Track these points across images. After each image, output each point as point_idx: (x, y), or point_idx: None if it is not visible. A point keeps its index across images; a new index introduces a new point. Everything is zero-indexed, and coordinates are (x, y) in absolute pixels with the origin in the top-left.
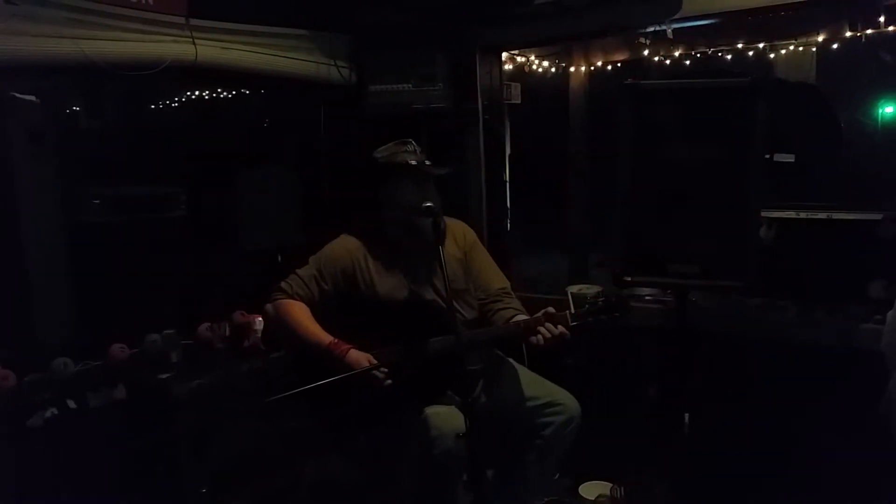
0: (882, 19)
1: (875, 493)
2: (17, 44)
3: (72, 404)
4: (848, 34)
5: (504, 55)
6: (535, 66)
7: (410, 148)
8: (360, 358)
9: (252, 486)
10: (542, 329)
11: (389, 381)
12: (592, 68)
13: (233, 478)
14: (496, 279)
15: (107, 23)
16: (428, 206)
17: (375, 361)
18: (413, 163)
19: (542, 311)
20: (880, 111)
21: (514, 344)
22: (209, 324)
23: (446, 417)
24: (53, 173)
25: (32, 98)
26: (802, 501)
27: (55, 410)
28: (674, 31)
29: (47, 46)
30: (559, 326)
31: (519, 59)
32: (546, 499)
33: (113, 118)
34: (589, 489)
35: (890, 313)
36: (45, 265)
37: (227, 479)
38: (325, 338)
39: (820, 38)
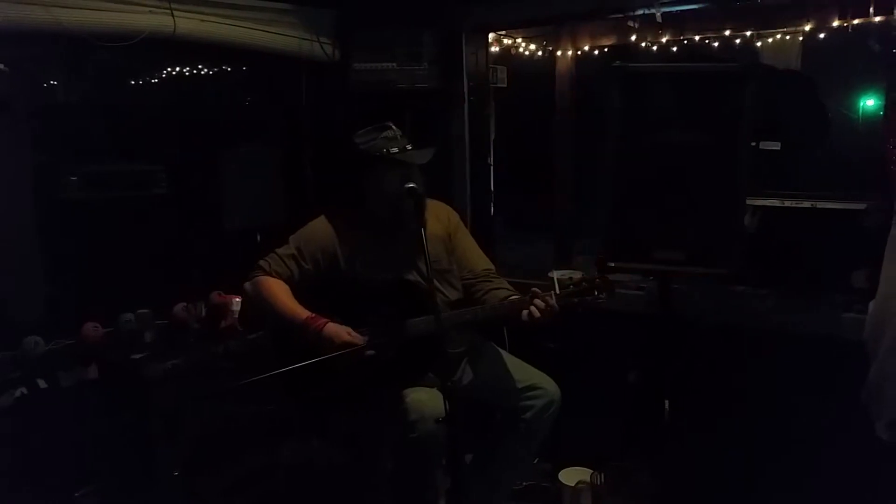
0: (871, 9)
1: (855, 480)
2: None
3: (42, 384)
4: (836, 23)
5: (491, 37)
6: (521, 50)
7: (391, 134)
8: (338, 331)
9: (226, 469)
10: (530, 307)
11: (372, 352)
12: (580, 53)
13: (206, 460)
14: (481, 260)
15: None
16: (411, 188)
17: (355, 333)
18: (395, 151)
19: (530, 291)
20: (862, 103)
21: (505, 323)
22: (185, 304)
23: (426, 401)
24: (25, 145)
25: (2, 66)
26: (783, 488)
27: (25, 390)
28: (662, 15)
29: (18, 13)
30: (547, 301)
31: (506, 41)
32: (525, 483)
33: (92, 93)
34: (569, 475)
35: (872, 303)
36: (16, 241)
37: (200, 462)
38: (302, 312)
39: (807, 28)
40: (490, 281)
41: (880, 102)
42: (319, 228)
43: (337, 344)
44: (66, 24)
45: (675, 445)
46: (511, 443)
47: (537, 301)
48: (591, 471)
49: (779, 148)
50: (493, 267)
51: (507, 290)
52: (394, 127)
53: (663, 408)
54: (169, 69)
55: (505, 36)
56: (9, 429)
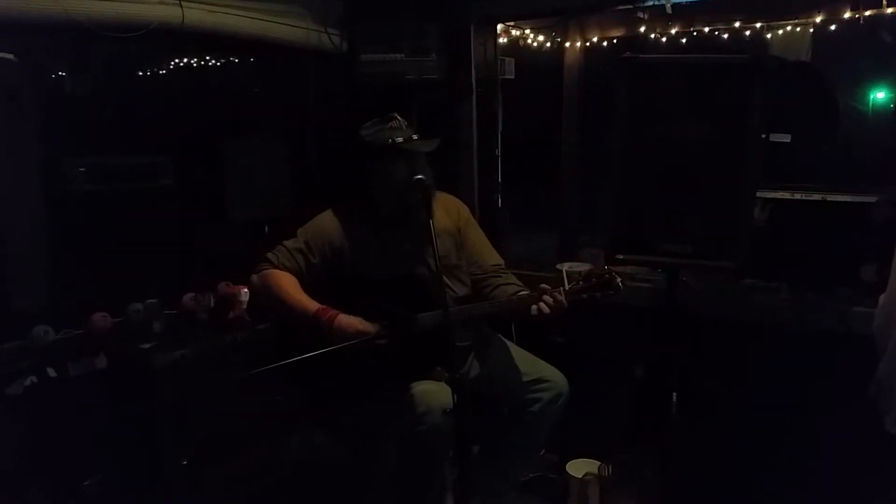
0: (883, 0)
1: (863, 475)
2: None
3: (52, 373)
4: (847, 15)
5: (499, 28)
6: (529, 41)
7: (396, 124)
8: (350, 321)
9: (234, 459)
10: (539, 303)
11: (384, 340)
12: (588, 44)
13: (214, 450)
14: (490, 256)
15: None
16: (419, 179)
17: (366, 322)
18: (400, 140)
19: (538, 287)
20: (872, 96)
21: (512, 319)
22: (193, 294)
23: (434, 393)
24: (33, 136)
25: (10, 56)
26: (790, 483)
27: (34, 379)
28: (672, 6)
29: (26, 3)
30: (556, 296)
31: (514, 32)
32: (532, 475)
33: (100, 85)
34: (576, 467)
35: (881, 297)
36: (26, 231)
37: (208, 452)
38: (312, 305)
39: (818, 19)
40: (499, 276)
41: (891, 95)
42: (327, 222)
43: (349, 334)
44: (74, 14)
45: (682, 438)
46: (518, 435)
47: (546, 297)
48: (599, 463)
49: (789, 140)
50: (502, 262)
51: (516, 285)
52: (399, 118)
53: (670, 401)
54: (176, 60)
55: (513, 27)
56: (18, 417)
